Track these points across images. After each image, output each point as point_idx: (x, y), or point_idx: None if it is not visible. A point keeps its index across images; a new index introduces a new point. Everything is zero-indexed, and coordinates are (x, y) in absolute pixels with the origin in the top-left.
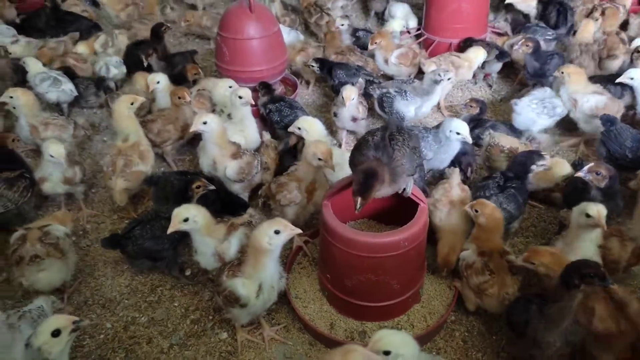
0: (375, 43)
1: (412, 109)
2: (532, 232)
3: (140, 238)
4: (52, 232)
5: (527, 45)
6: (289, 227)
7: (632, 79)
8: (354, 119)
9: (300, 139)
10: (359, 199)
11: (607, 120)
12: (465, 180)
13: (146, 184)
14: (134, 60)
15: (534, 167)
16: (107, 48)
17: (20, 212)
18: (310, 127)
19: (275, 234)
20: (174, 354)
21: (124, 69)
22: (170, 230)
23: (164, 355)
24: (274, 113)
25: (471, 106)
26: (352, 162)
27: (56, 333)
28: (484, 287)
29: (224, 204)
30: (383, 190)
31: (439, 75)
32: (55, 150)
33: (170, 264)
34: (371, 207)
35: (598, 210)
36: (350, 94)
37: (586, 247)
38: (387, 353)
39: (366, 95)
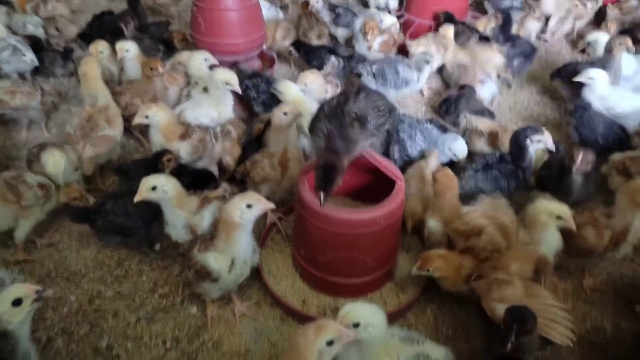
0: (372, 35)
1: (415, 76)
2: None
3: (111, 213)
4: (27, 179)
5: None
6: (261, 201)
7: (591, 78)
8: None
9: (267, 125)
10: (322, 194)
11: (580, 106)
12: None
13: (117, 173)
14: (109, 29)
15: (528, 142)
16: (37, 11)
17: None
18: (286, 89)
19: (247, 208)
20: (141, 328)
21: (41, 32)
22: (137, 198)
23: (130, 329)
24: (250, 89)
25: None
26: (311, 131)
27: (17, 302)
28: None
29: (193, 178)
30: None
31: (429, 57)
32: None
33: (141, 240)
34: (347, 184)
35: (566, 211)
36: (308, 79)
37: (553, 239)
38: (356, 325)
39: (351, 73)
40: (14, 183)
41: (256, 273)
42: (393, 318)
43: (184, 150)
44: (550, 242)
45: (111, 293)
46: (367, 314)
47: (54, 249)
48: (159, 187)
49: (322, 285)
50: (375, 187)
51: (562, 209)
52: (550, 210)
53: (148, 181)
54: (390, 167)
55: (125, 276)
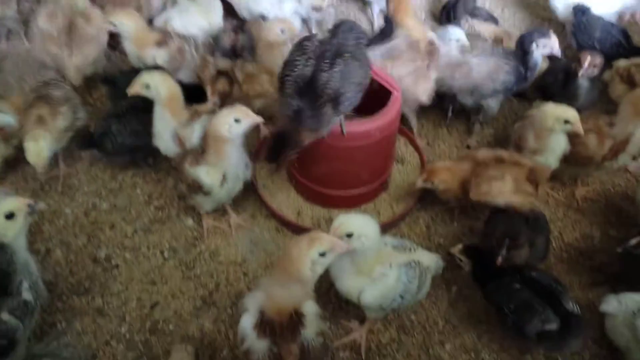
0: None
1: None
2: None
3: (119, 135)
4: None
5: None
6: (250, 116)
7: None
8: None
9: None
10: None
11: (579, 10)
12: None
13: (104, 83)
14: None
15: (534, 46)
16: None
17: None
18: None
19: (235, 123)
20: (139, 239)
21: None
22: (130, 91)
23: (127, 239)
24: None
25: None
26: (280, 92)
27: (10, 216)
28: None
29: (186, 92)
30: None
31: None
32: (33, 154)
33: (147, 155)
34: None
35: (575, 115)
36: None
37: (558, 147)
38: (349, 235)
39: None
40: None
41: (251, 186)
42: (387, 228)
43: (160, 58)
44: (555, 148)
45: (106, 206)
46: (360, 224)
47: None
48: (153, 86)
49: (316, 197)
50: (370, 98)
51: (570, 112)
52: (557, 114)
53: (143, 78)
54: (386, 77)
55: (119, 189)
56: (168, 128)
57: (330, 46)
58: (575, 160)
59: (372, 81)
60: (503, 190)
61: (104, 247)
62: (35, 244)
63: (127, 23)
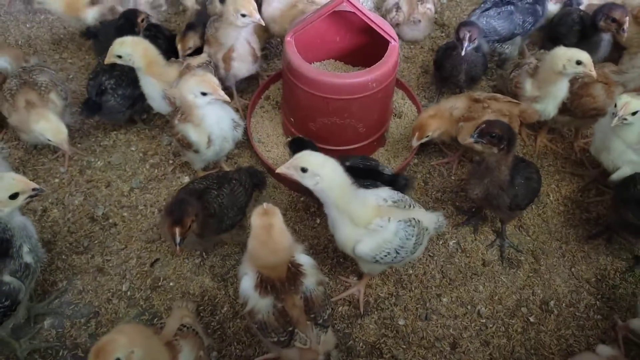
0: None
1: None
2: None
3: (118, 87)
4: None
5: None
6: (217, 92)
7: None
8: None
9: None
10: (177, 229)
11: None
12: None
13: (86, 37)
14: None
15: None
16: None
17: None
18: None
19: (202, 95)
20: (135, 197)
21: None
22: (106, 61)
23: (124, 197)
24: None
25: None
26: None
27: (14, 196)
28: None
29: (169, 41)
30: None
31: None
32: (52, 133)
33: (142, 109)
34: (337, 46)
35: (588, 57)
36: None
37: (560, 94)
38: (304, 170)
39: None
40: None
41: (246, 141)
42: None
43: (92, 16)
44: (557, 95)
45: (101, 163)
46: (317, 163)
47: None
48: (125, 56)
49: None
50: (367, 49)
51: (584, 54)
52: (570, 55)
53: (113, 47)
54: (384, 26)
55: (113, 146)
56: (155, 91)
57: None
58: (582, 112)
59: (369, 30)
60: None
61: (100, 206)
62: (31, 202)
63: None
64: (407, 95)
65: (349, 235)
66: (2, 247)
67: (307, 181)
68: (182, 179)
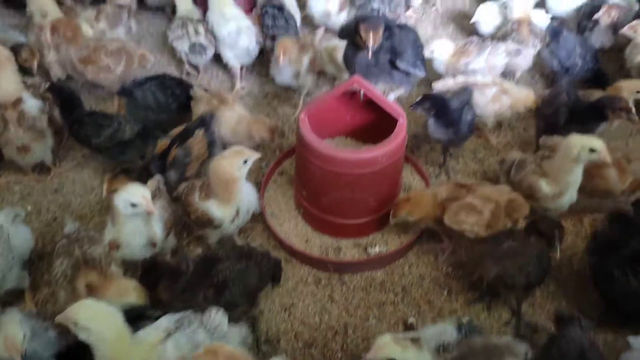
0: None
1: None
2: None
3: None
4: None
5: None
6: (253, 153)
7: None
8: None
9: (173, 142)
10: None
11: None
12: None
13: (121, 94)
14: None
15: None
16: None
17: None
18: None
19: (244, 163)
20: None
21: None
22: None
23: None
24: (268, 16)
25: None
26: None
27: None
28: None
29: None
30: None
31: None
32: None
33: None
34: (348, 123)
35: (601, 143)
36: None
37: (575, 181)
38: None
39: None
40: None
41: (258, 215)
42: (394, 258)
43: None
44: (575, 182)
45: None
46: (87, 316)
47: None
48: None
49: (324, 226)
50: (376, 126)
51: (597, 141)
52: (583, 143)
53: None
54: (391, 105)
55: None
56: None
57: None
58: (592, 193)
59: (378, 108)
60: (476, 225)
61: None
62: None
63: None
64: (415, 169)
65: None
66: None
67: (80, 334)
68: (195, 251)
